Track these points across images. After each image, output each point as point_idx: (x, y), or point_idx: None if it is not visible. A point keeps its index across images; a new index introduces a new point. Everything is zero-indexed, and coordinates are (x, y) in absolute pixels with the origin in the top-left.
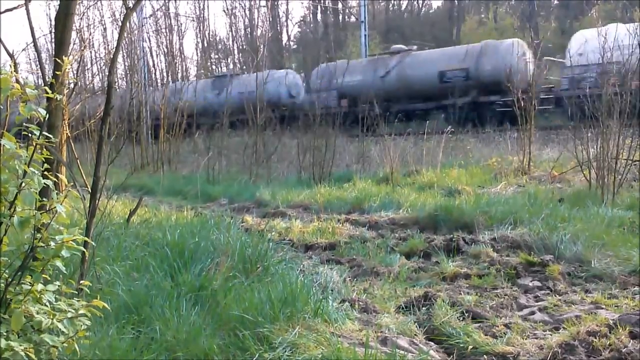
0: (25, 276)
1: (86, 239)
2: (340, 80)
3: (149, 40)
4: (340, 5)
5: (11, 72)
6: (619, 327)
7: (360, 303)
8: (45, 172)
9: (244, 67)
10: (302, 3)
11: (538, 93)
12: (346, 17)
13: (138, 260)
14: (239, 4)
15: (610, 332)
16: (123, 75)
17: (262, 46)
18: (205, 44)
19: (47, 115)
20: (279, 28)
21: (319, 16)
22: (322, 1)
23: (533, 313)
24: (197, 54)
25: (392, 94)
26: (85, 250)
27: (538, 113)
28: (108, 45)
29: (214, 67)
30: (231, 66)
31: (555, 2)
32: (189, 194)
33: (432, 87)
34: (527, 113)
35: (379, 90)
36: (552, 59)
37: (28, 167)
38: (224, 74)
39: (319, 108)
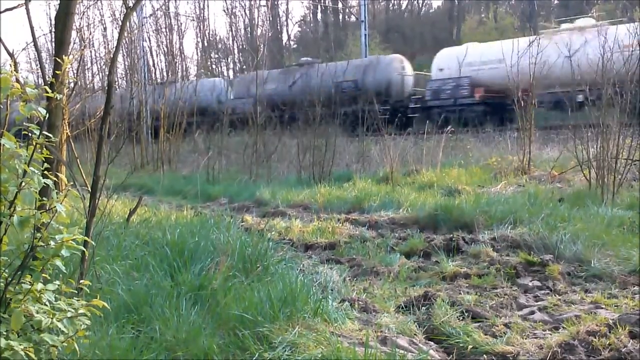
0: (25, 275)
1: (86, 238)
2: (257, 89)
3: (149, 40)
4: (340, 5)
5: (11, 71)
6: (618, 326)
7: (360, 303)
8: (45, 172)
9: (244, 66)
10: (302, 2)
11: (408, 103)
12: (346, 16)
13: (138, 260)
14: (239, 3)
15: (610, 332)
16: (123, 75)
17: (262, 46)
18: (205, 44)
19: (47, 114)
20: (279, 27)
21: (319, 16)
22: (322, 1)
23: (533, 313)
24: (197, 53)
25: (297, 101)
26: (85, 249)
27: (410, 119)
28: (108, 45)
29: (213, 66)
30: (231, 65)
31: (555, 2)
32: (188, 193)
33: (330, 96)
34: (526, 113)
35: (287, 97)
36: (422, 73)
37: (28, 166)
38: (162, 82)
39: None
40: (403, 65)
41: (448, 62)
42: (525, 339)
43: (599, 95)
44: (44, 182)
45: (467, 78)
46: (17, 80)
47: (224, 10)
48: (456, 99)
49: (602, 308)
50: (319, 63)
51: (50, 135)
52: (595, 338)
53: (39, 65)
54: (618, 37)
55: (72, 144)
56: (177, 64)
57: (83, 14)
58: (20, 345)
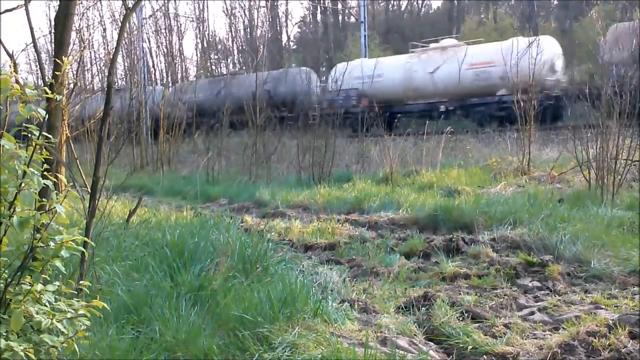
0: (25, 276)
1: (86, 239)
2: (189, 96)
3: (149, 41)
4: (340, 6)
5: (11, 72)
6: (618, 327)
7: (360, 303)
8: (45, 173)
9: (244, 67)
10: (302, 3)
11: (312, 111)
12: (346, 17)
13: (138, 261)
14: (239, 4)
15: (609, 332)
16: (123, 76)
17: (261, 46)
18: (205, 45)
19: (47, 115)
20: (278, 28)
21: (318, 16)
22: (321, 1)
23: (533, 313)
24: (196, 54)
25: (223, 108)
26: (84, 250)
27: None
28: (108, 46)
29: (213, 67)
30: (231, 66)
31: (555, 2)
32: (188, 194)
33: (247, 104)
34: (526, 114)
35: (214, 104)
36: (322, 84)
37: (28, 167)
38: (118, 88)
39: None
40: (310, 76)
41: (342, 74)
42: (525, 339)
43: (460, 105)
44: (44, 183)
45: (355, 90)
46: (17, 81)
47: (224, 11)
48: (346, 108)
49: (602, 308)
50: (242, 74)
51: (49, 136)
52: (595, 338)
53: (38, 66)
54: (473, 56)
55: (72, 144)
56: (177, 64)
57: (83, 15)
58: (20, 346)
